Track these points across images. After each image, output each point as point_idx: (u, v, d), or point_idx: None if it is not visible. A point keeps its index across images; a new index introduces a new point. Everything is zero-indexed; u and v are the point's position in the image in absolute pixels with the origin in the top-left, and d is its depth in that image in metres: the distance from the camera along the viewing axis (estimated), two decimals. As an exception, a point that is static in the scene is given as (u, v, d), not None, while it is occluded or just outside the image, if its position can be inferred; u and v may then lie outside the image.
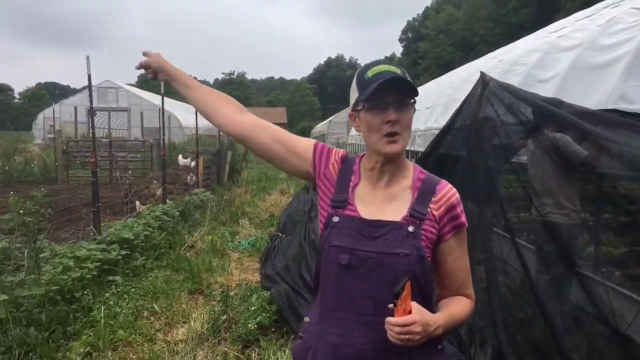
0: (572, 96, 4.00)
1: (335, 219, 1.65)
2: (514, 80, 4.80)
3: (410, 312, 1.44)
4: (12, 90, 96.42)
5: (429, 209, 1.62)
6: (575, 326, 3.38)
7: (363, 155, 1.74)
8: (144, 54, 1.94)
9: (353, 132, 22.32)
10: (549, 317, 3.13)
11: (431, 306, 1.60)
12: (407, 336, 1.41)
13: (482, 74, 4.01)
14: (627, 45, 3.78)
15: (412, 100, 1.60)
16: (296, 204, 11.18)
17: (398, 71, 1.57)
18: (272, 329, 4.69)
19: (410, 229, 1.59)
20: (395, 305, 1.44)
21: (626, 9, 4.50)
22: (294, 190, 14.39)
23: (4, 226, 6.68)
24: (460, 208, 1.66)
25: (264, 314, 4.77)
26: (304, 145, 1.78)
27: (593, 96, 3.76)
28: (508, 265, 3.91)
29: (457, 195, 1.67)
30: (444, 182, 1.69)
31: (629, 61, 3.58)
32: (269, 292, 5.26)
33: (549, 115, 3.29)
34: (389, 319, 1.43)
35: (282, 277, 5.89)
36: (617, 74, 3.61)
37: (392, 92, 1.55)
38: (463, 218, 1.66)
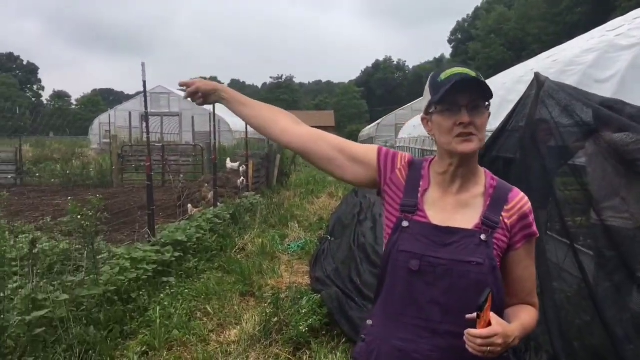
0: (633, 97, 3.86)
1: (405, 223, 1.63)
2: (570, 81, 4.67)
3: (489, 324, 1.43)
4: (69, 97, 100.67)
5: (501, 217, 1.60)
6: (636, 334, 3.26)
7: (432, 159, 1.71)
8: (182, 84, 1.95)
9: (402, 134, 22.16)
10: (608, 324, 3.03)
11: (502, 317, 1.56)
12: (489, 348, 1.40)
13: (537, 75, 3.92)
14: (691, 43, 3.63)
15: (487, 103, 1.58)
16: (345, 207, 11.16)
17: (472, 73, 1.54)
18: (323, 332, 4.71)
19: (483, 237, 1.57)
20: (478, 317, 1.42)
21: (690, 5, 4.32)
22: (342, 194, 14.39)
23: (64, 228, 6.94)
24: (532, 217, 1.63)
25: (314, 317, 4.78)
26: (366, 151, 1.77)
27: (655, 96, 3.63)
28: (564, 271, 3.80)
29: (529, 204, 1.64)
30: (516, 189, 1.67)
31: (693, 59, 3.44)
32: (319, 295, 5.27)
33: (609, 116, 3.19)
34: (471, 331, 1.42)
35: (332, 280, 5.90)
36: (681, 72, 3.48)
37: (465, 94, 1.53)
38: (534, 227, 1.64)
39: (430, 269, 1.57)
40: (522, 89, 4.35)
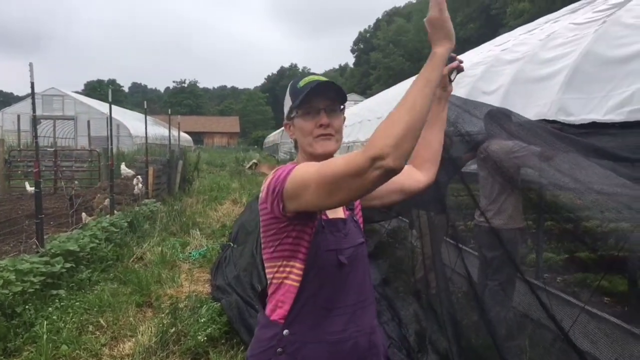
0: (515, 108, 4.14)
1: (322, 223, 1.70)
2: (460, 93, 4.92)
3: None
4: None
5: None
6: (519, 331, 3.47)
7: (295, 164, 1.75)
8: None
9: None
10: (491, 323, 3.21)
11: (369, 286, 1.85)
12: None
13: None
14: (565, 59, 3.94)
15: (342, 106, 1.73)
16: (249, 213, 11.07)
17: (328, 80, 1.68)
18: (222, 341, 4.62)
19: (355, 219, 1.83)
20: None
21: (565, 24, 4.70)
22: (246, 200, 14.28)
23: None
24: None
25: (214, 326, 4.70)
26: None
27: (533, 108, 3.90)
28: (455, 273, 3.99)
29: None
30: None
31: (567, 74, 3.73)
32: (219, 304, 5.19)
33: (498, 126, 3.38)
34: None
35: (233, 287, 5.82)
36: (557, 86, 3.76)
37: (323, 97, 1.67)
38: None
39: (349, 259, 1.71)
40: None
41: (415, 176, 1.91)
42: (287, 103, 1.75)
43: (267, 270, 1.76)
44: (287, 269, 1.69)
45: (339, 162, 1.42)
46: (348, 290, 1.71)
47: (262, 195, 1.68)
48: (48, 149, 18.34)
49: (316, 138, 1.67)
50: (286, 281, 1.69)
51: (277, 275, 1.71)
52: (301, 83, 1.70)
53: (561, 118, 3.51)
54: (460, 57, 1.89)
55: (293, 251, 1.68)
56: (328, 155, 1.68)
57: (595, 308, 4.27)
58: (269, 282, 1.76)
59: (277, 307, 1.71)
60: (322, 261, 1.67)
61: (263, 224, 1.72)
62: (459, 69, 1.74)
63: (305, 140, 1.70)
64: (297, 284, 1.68)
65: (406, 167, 1.89)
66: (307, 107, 1.67)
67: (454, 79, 1.73)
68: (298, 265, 1.67)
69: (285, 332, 1.69)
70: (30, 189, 13.49)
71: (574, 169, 2.66)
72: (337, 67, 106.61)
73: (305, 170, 1.54)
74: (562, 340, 2.68)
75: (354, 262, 1.73)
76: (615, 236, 3.40)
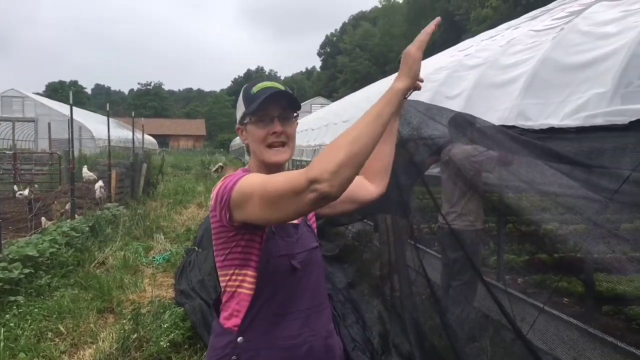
0: (477, 113, 4.20)
1: (272, 229, 1.69)
2: (423, 97, 4.97)
3: None
4: None
5: None
6: (481, 332, 3.53)
7: (246, 170, 1.75)
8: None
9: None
10: (451, 325, 3.25)
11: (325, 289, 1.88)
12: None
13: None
14: (525, 65, 4.03)
15: (295, 114, 1.74)
16: (214, 217, 10.98)
17: (282, 87, 1.69)
18: (186, 346, 4.57)
19: (308, 224, 1.85)
20: None
21: (525, 31, 4.80)
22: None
23: None
24: None
25: (177, 331, 4.64)
26: None
27: (495, 113, 3.97)
28: (420, 275, 4.03)
29: None
30: None
31: (526, 80, 3.82)
32: (182, 308, 5.13)
33: (460, 130, 3.42)
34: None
35: (197, 292, 5.76)
36: (516, 92, 3.84)
37: (277, 105, 1.68)
38: None
39: (302, 263, 1.71)
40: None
41: (366, 187, 1.91)
42: (240, 108, 1.74)
43: (220, 279, 1.75)
44: (240, 278, 1.68)
45: (280, 179, 1.43)
46: (302, 295, 1.72)
47: (211, 202, 1.66)
48: (7, 152, 17.85)
49: (268, 147, 1.67)
50: (239, 290, 1.68)
51: (230, 283, 1.70)
52: (255, 89, 1.71)
53: (520, 123, 3.57)
54: (424, 61, 1.90)
55: (244, 260, 1.66)
56: (280, 164, 1.70)
57: (555, 309, 4.37)
58: (222, 290, 1.74)
59: (232, 316, 1.70)
60: (274, 267, 1.66)
61: (214, 231, 1.71)
62: (416, 87, 1.76)
63: (258, 148, 1.70)
64: (251, 292, 1.67)
65: (358, 177, 1.89)
66: (261, 114, 1.67)
67: (409, 96, 1.75)
68: (250, 273, 1.66)
69: (240, 339, 1.68)
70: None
71: (533, 173, 2.72)
72: (304, 70, 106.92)
73: (250, 182, 1.52)
74: (521, 340, 2.73)
75: (307, 267, 1.73)
76: (573, 239, 3.48)
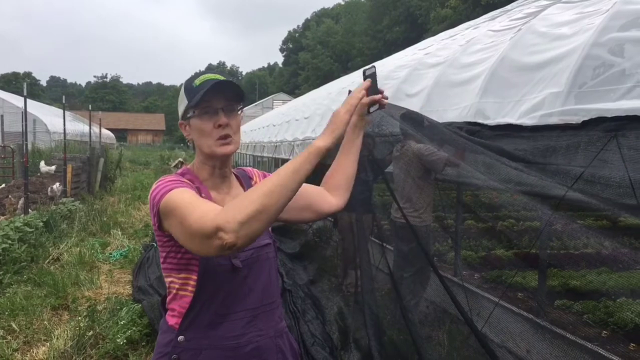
0: (437, 111, 4.27)
1: None
2: (385, 94, 5.02)
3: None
4: None
5: None
6: (437, 326, 3.59)
7: (190, 170, 1.73)
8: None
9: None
10: (409, 319, 3.30)
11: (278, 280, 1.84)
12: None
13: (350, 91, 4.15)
14: (484, 64, 4.10)
15: (240, 105, 1.69)
16: (173, 213, 10.85)
17: (225, 78, 1.64)
18: (143, 343, 4.50)
19: None
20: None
21: (484, 31, 4.89)
22: (171, 199, 13.96)
23: None
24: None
25: (134, 328, 4.57)
26: None
27: (454, 111, 4.03)
28: (380, 271, 4.07)
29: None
30: (248, 168, 1.91)
31: (485, 79, 3.88)
32: (140, 305, 5.05)
33: (412, 128, 3.46)
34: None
35: (155, 288, 5.68)
36: (475, 90, 3.91)
37: (221, 97, 1.62)
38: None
39: (246, 262, 1.66)
40: (343, 100, 4.58)
41: (327, 198, 1.89)
42: (182, 102, 1.68)
43: (165, 279, 1.72)
44: (180, 281, 1.65)
45: (195, 215, 1.39)
46: (246, 294, 1.67)
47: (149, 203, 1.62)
48: (-44, 145, 17.19)
49: (216, 141, 1.62)
50: (180, 292, 1.66)
51: (172, 285, 1.67)
52: (197, 82, 1.64)
53: (479, 121, 3.63)
54: (386, 59, 1.90)
55: (183, 264, 1.63)
56: (226, 156, 1.66)
57: (510, 303, 4.48)
58: (167, 289, 1.72)
59: (174, 316, 1.68)
60: (214, 267, 1.62)
61: (154, 233, 1.67)
62: (381, 104, 1.74)
63: (204, 142, 1.64)
64: (192, 294, 1.64)
65: (319, 188, 1.89)
66: (204, 107, 1.61)
67: (373, 111, 1.74)
68: (192, 276, 1.63)
69: (180, 338, 1.65)
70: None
71: (486, 172, 2.76)
72: (265, 65, 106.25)
73: (179, 198, 1.48)
74: (475, 334, 2.78)
75: (253, 265, 1.69)
76: (528, 235, 3.57)
